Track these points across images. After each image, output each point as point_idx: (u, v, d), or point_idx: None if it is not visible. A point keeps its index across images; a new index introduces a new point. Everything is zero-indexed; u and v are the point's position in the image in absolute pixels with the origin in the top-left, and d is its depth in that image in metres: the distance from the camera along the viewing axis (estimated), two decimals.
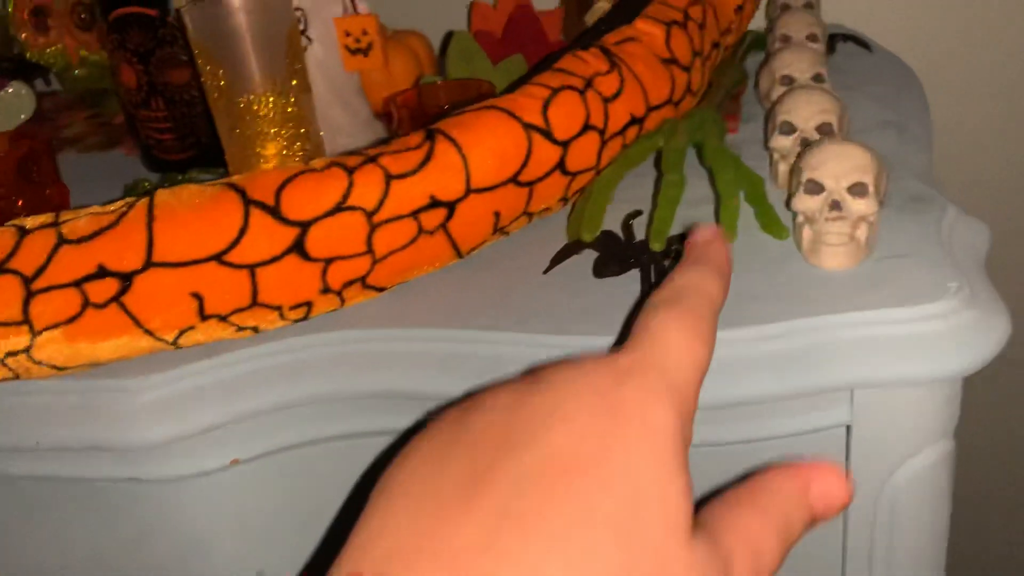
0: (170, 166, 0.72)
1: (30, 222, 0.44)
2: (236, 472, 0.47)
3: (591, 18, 0.81)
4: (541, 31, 0.74)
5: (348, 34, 0.62)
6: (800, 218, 0.46)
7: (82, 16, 0.87)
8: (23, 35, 0.88)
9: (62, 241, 0.43)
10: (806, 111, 0.51)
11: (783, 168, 0.53)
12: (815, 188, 0.44)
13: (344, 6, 0.62)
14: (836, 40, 0.76)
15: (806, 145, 0.51)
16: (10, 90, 0.73)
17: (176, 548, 0.50)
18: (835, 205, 0.43)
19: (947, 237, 0.46)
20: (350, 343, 0.46)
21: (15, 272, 0.42)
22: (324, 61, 0.62)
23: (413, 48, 0.77)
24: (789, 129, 0.52)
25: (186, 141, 0.71)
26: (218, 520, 0.49)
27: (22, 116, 0.73)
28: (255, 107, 0.54)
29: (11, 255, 0.42)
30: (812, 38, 0.68)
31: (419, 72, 0.77)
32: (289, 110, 0.55)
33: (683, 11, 0.61)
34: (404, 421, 0.47)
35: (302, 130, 0.56)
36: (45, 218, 0.44)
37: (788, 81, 0.60)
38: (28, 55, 0.88)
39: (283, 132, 0.55)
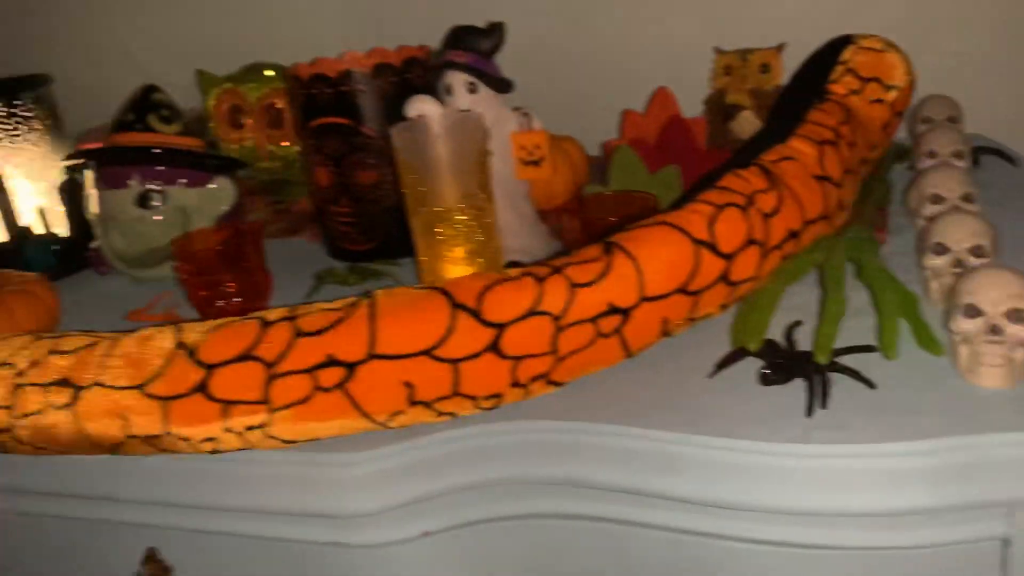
0: (352, 256, 0.81)
1: (271, 315, 0.52)
2: (425, 543, 0.53)
3: (737, 126, 0.87)
4: (692, 140, 0.80)
5: (523, 148, 0.69)
6: (957, 336, 0.49)
7: (272, 116, 0.98)
8: (219, 130, 1.00)
9: (299, 334, 0.50)
10: (959, 234, 0.55)
11: (935, 285, 0.56)
12: (973, 312, 0.47)
13: (520, 123, 0.69)
14: (980, 154, 0.79)
15: (958, 265, 0.54)
16: (214, 185, 0.83)
17: None
18: (994, 330, 0.46)
19: None
20: (534, 432, 0.51)
21: (258, 359, 0.50)
22: (500, 171, 0.69)
23: (569, 153, 0.85)
24: (942, 250, 0.55)
25: (368, 235, 0.80)
26: None
27: (223, 208, 0.83)
28: (448, 215, 0.61)
29: (255, 344, 0.50)
30: (957, 155, 0.71)
31: (573, 176, 0.84)
32: (475, 219, 0.62)
33: (834, 130, 0.66)
34: (580, 507, 0.52)
35: (485, 236, 0.62)
36: (282, 312, 0.52)
37: (937, 199, 0.63)
38: (222, 147, 0.99)
39: (470, 237, 0.62)
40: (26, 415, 0.52)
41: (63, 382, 0.51)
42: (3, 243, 0.85)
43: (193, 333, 0.51)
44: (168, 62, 1.12)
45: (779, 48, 0.88)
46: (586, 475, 0.50)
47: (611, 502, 0.51)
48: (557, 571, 0.55)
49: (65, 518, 0.60)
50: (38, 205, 0.86)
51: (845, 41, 0.75)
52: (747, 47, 0.89)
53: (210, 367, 0.50)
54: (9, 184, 0.84)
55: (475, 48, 0.68)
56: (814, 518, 0.47)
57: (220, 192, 0.83)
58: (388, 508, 0.51)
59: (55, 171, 0.87)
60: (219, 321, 0.52)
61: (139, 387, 0.50)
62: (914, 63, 0.75)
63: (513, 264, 0.67)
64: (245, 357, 0.50)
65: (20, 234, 0.86)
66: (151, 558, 0.59)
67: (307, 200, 0.98)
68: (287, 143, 0.98)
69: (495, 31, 0.69)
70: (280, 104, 0.97)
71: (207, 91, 0.99)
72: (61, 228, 0.88)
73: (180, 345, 0.51)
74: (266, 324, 0.51)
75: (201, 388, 0.49)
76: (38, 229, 0.87)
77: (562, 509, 0.52)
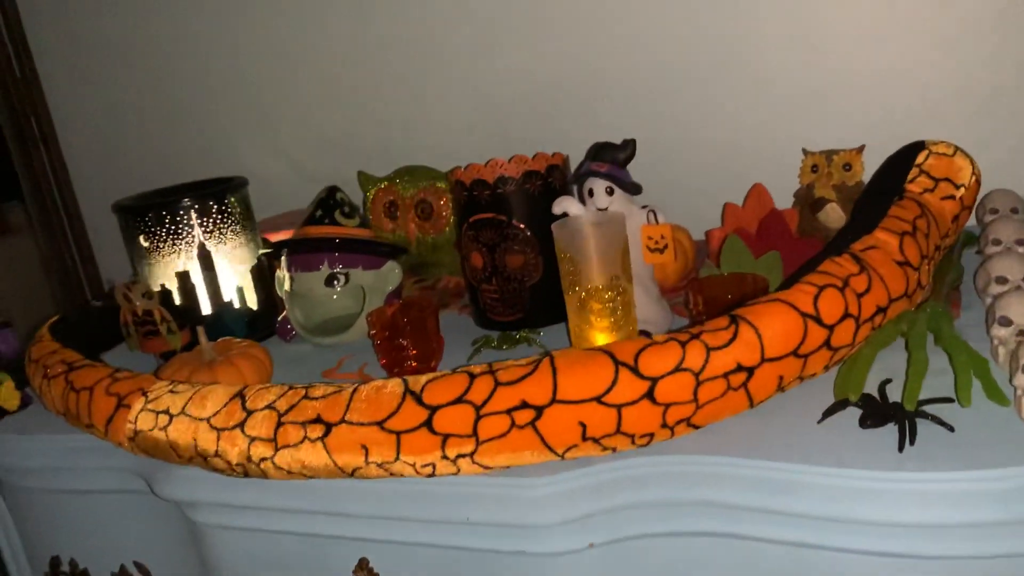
0: (499, 325, 0.97)
1: (475, 369, 0.67)
2: (591, 553, 0.67)
3: (824, 216, 1.02)
4: (788, 230, 0.94)
5: (651, 238, 0.84)
6: (1020, 390, 0.62)
7: (422, 210, 1.16)
8: (375, 220, 1.18)
9: (498, 384, 0.65)
10: (1021, 309, 0.68)
11: (1001, 351, 0.69)
12: None
13: (648, 218, 0.85)
14: None
15: (1021, 334, 0.67)
16: (385, 268, 1.01)
17: None
18: None
19: None
20: (679, 464, 0.65)
21: (469, 403, 0.65)
22: (631, 257, 0.85)
23: (681, 242, 1.00)
24: (1007, 322, 0.68)
25: (514, 308, 0.96)
26: None
27: (390, 287, 1.01)
28: (596, 294, 0.76)
29: (466, 391, 0.66)
30: (1020, 242, 0.84)
31: (684, 261, 0.99)
32: (617, 297, 0.77)
33: (912, 223, 0.80)
34: (714, 525, 0.65)
35: (624, 311, 0.78)
36: (484, 367, 0.67)
37: (1003, 280, 0.76)
38: (378, 235, 1.17)
39: (613, 311, 0.77)
40: (286, 446, 0.68)
41: (317, 420, 0.68)
42: (208, 315, 1.03)
43: (418, 383, 0.67)
44: (327, 161, 1.33)
45: (859, 149, 1.02)
46: (720, 498, 0.64)
47: (740, 521, 0.64)
48: None
49: (295, 533, 0.76)
50: (237, 284, 1.05)
51: (918, 147, 0.90)
52: (831, 148, 1.04)
53: (433, 408, 0.65)
54: (217, 267, 1.03)
55: (613, 159, 0.85)
56: (905, 529, 0.59)
57: (390, 274, 1.00)
58: (562, 523, 0.66)
59: (250, 256, 1.06)
60: (435, 374, 0.68)
61: (379, 423, 0.66)
62: (979, 159, 0.89)
63: (643, 333, 0.82)
64: (459, 400, 0.65)
65: (221, 307, 1.04)
66: (363, 566, 0.74)
67: (450, 278, 1.15)
68: (433, 232, 1.16)
69: (628, 146, 0.86)
70: (430, 199, 1.15)
71: (366, 188, 1.18)
72: (252, 302, 1.06)
73: (409, 392, 0.67)
74: (473, 376, 0.67)
75: (426, 424, 0.65)
76: (236, 303, 1.05)
77: (700, 527, 0.66)
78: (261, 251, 1.06)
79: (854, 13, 1.12)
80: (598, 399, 0.64)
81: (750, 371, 0.66)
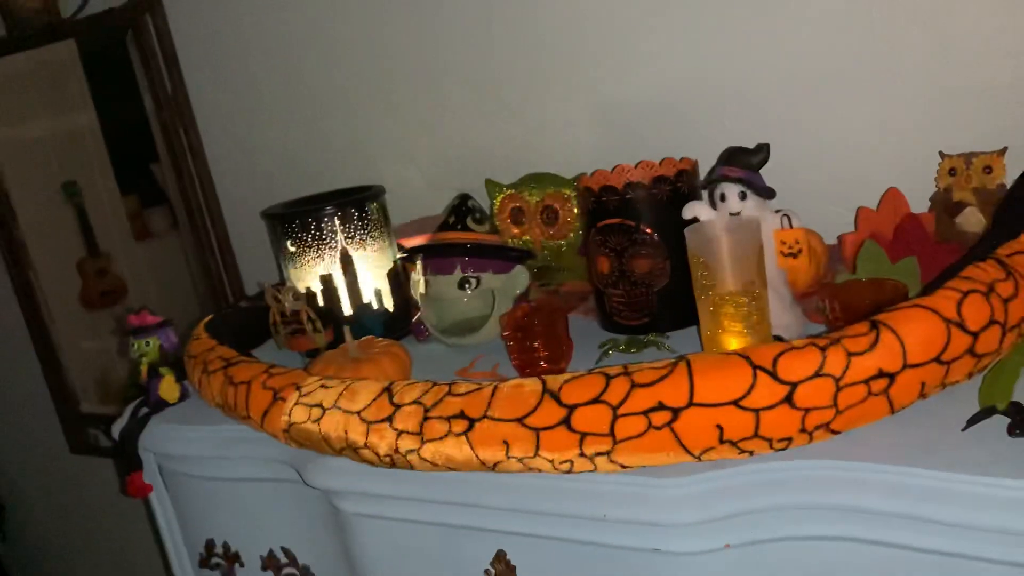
0: (625, 330, 0.98)
1: (610, 371, 0.69)
2: (727, 554, 0.68)
3: (963, 221, 0.99)
4: (926, 235, 0.92)
5: (784, 242, 0.84)
6: None
7: (547, 216, 1.19)
8: (502, 226, 1.22)
9: (634, 385, 0.67)
10: None
11: None
12: None
13: (782, 222, 0.85)
14: None
15: None
16: (513, 272, 1.04)
17: None
18: None
19: None
20: (818, 468, 0.65)
21: (606, 403, 0.67)
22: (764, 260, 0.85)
23: (813, 247, 0.99)
24: None
25: (640, 312, 0.97)
26: None
27: (518, 290, 1.04)
28: (729, 299, 0.77)
29: (603, 392, 0.68)
30: None
31: (816, 266, 0.98)
32: (752, 302, 0.77)
33: None
34: (853, 531, 0.65)
35: (758, 316, 0.78)
36: (619, 368, 0.69)
37: None
38: (505, 240, 1.21)
39: (747, 316, 0.77)
40: (432, 440, 0.72)
41: (460, 415, 0.71)
42: (348, 315, 1.09)
43: (555, 383, 0.70)
44: (456, 169, 1.37)
45: (1001, 152, 0.99)
46: (860, 503, 0.63)
47: (879, 527, 0.64)
48: None
49: (435, 524, 0.80)
50: (375, 287, 1.10)
51: None
52: (970, 151, 1.01)
53: (571, 407, 0.68)
54: (357, 271, 1.08)
55: (746, 163, 0.85)
56: None
57: (518, 277, 1.04)
58: (698, 523, 0.67)
59: (387, 260, 1.11)
60: (572, 374, 0.70)
61: (519, 420, 0.69)
62: None
63: (776, 338, 0.82)
64: (596, 401, 0.67)
65: (361, 308, 1.10)
66: (500, 558, 0.77)
67: (575, 283, 1.17)
68: (557, 238, 1.19)
69: (762, 150, 0.86)
70: (554, 205, 1.18)
71: (493, 195, 1.22)
72: (389, 304, 1.11)
73: (547, 391, 0.69)
74: (609, 377, 0.69)
75: (564, 422, 0.67)
76: (374, 305, 1.10)
77: (838, 532, 0.66)
78: (397, 256, 1.12)
79: (990, 11, 1.09)
80: (736, 403, 0.65)
81: (892, 377, 0.65)
